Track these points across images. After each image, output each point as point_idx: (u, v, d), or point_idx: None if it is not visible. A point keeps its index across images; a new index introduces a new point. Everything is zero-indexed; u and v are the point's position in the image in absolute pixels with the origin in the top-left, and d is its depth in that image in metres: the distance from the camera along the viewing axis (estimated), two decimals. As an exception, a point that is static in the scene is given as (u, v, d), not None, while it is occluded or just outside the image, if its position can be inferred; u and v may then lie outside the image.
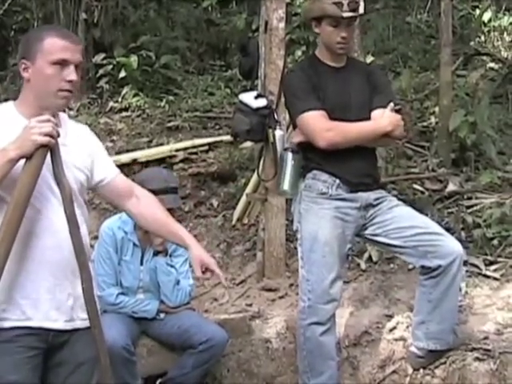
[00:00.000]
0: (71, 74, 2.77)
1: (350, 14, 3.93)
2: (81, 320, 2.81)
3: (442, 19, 6.54)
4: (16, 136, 2.62)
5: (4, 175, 2.59)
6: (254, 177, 5.76)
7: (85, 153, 2.92)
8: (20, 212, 2.58)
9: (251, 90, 5.34)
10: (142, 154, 7.22)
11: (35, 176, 2.61)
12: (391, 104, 4.04)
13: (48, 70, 2.74)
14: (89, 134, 3.04)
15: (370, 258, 5.42)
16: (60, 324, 2.78)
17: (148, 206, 3.08)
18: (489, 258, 5.15)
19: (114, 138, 8.10)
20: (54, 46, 2.76)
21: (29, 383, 2.70)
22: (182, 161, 7.21)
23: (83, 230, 2.84)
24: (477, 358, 4.17)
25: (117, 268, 4.45)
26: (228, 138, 6.69)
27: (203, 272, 3.01)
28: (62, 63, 2.75)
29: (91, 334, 2.77)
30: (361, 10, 3.99)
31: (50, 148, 2.63)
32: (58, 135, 2.65)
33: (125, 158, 7.09)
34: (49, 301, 2.74)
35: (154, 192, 4.07)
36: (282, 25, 5.36)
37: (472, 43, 9.15)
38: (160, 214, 3.10)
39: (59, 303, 2.77)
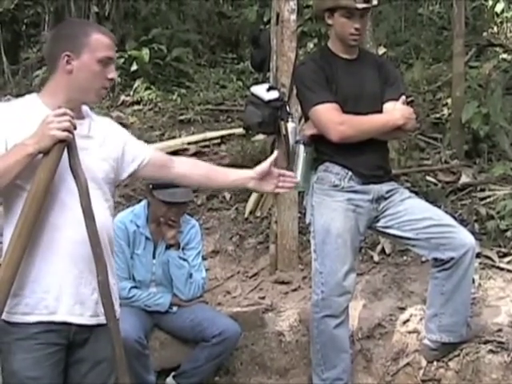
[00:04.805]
0: (113, 71, 2.82)
1: (364, 5, 3.91)
2: (104, 315, 2.77)
3: (455, 10, 6.50)
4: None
5: (22, 169, 2.57)
6: (267, 169, 5.74)
7: (112, 144, 2.89)
8: (37, 207, 2.58)
9: (263, 82, 5.33)
10: (154, 148, 7.20)
11: (53, 171, 2.60)
12: (403, 97, 4.03)
13: (96, 67, 2.76)
14: (113, 125, 3.02)
15: (383, 251, 5.40)
16: (85, 319, 2.76)
17: (188, 162, 3.17)
18: (502, 250, 5.12)
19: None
20: (101, 42, 2.78)
21: (49, 379, 2.69)
22: (194, 154, 7.21)
23: (108, 221, 2.85)
24: (490, 351, 4.17)
25: (129, 262, 4.45)
26: (240, 130, 6.67)
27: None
28: (107, 61, 2.78)
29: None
30: (374, 1, 3.97)
31: (68, 142, 2.61)
32: (75, 128, 2.63)
33: (137, 151, 7.08)
34: (72, 295, 2.72)
35: (166, 185, 4.10)
36: (293, 17, 5.33)
37: (485, 34, 9.11)
38: (203, 165, 3.18)
39: (84, 297, 2.75)
